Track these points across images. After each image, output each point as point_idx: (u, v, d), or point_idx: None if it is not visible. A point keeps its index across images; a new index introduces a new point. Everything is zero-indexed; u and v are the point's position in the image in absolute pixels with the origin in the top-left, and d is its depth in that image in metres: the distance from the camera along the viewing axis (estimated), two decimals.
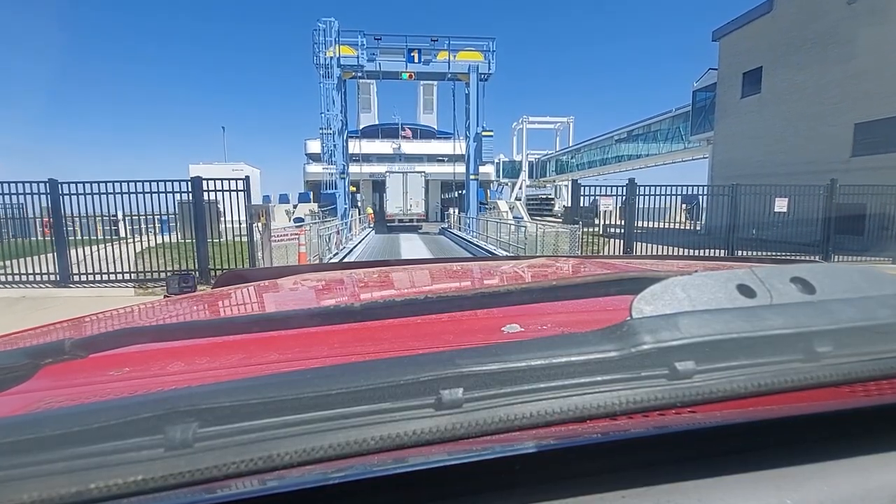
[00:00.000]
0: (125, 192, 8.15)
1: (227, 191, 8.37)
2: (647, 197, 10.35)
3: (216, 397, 0.29)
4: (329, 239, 13.14)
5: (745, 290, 0.38)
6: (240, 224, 8.44)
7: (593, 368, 0.32)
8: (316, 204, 28.71)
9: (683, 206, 16.68)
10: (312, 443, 0.28)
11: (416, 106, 42.60)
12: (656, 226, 10.83)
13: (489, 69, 21.95)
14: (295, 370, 0.32)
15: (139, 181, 8.25)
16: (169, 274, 8.35)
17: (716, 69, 20.29)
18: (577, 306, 0.80)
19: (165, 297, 1.27)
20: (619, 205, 10.88)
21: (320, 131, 21.37)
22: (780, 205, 10.81)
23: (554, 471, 0.34)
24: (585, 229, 11.03)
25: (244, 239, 8.59)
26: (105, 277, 8.36)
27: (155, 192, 8.27)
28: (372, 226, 27.97)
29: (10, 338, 0.79)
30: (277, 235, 8.64)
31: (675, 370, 0.32)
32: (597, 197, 10.52)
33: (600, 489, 0.32)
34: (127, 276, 8.44)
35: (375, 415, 0.30)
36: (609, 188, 10.56)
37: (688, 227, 13.11)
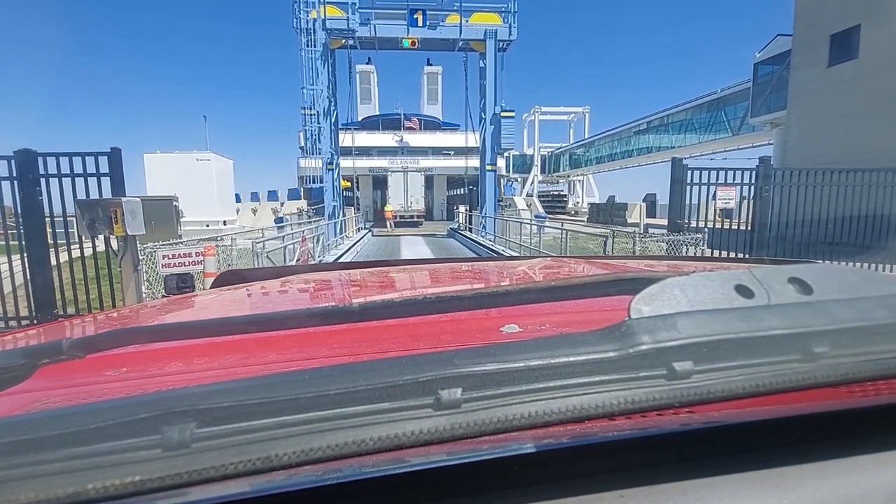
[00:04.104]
0: None
1: (76, 176, 4.75)
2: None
3: (214, 397, 0.29)
4: (286, 255, 8.35)
5: (743, 291, 0.37)
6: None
7: (592, 369, 0.32)
8: (306, 201, 25.49)
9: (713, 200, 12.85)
10: (311, 443, 0.28)
11: (420, 97, 39.93)
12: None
13: (509, 35, 17.46)
14: (293, 370, 0.32)
15: None
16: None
17: (786, 35, 16.44)
18: (575, 307, 0.79)
19: (164, 296, 1.25)
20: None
21: (302, 111, 16.63)
22: None
23: (552, 471, 0.34)
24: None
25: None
26: None
27: None
28: (387, 225, 24.88)
29: (7, 338, 0.79)
30: (169, 256, 4.94)
31: (674, 370, 0.32)
32: (713, 186, 6.70)
33: (599, 489, 0.32)
34: None
35: (374, 415, 0.30)
36: (724, 171, 6.71)
37: (727, 227, 9.21)
